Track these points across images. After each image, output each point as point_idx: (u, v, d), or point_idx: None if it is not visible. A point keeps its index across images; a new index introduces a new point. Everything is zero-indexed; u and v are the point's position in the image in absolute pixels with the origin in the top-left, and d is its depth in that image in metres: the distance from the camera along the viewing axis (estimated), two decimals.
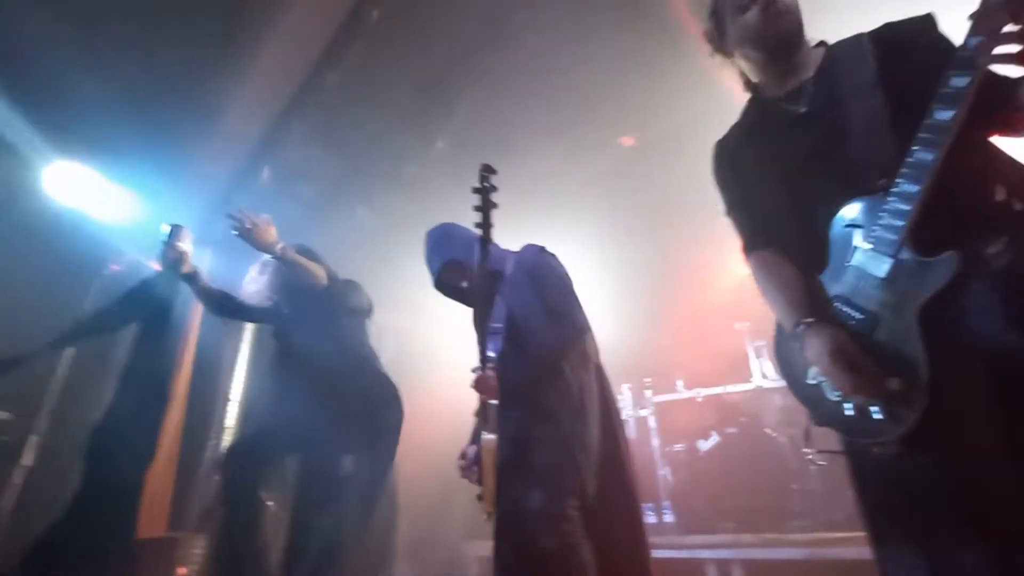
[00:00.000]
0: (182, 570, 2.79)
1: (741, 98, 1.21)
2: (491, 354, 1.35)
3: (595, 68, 2.87)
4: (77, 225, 2.88)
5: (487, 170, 1.32)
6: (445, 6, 2.41)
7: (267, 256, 2.12)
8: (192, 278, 2.12)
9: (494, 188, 1.30)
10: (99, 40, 2.41)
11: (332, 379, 2.11)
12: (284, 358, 2.25)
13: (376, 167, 3.54)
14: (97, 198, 2.80)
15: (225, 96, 2.66)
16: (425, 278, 1.73)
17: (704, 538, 2.72)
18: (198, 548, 2.76)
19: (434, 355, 4.14)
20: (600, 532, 1.24)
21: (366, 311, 2.36)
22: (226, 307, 2.23)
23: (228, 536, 2.12)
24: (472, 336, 1.42)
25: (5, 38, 2.40)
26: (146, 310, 1.81)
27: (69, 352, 2.67)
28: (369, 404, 2.18)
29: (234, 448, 2.64)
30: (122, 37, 2.42)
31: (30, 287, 3.54)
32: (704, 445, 3.22)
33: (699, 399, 3.46)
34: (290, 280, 2.19)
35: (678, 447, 3.33)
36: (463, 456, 1.43)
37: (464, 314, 1.62)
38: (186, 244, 2.06)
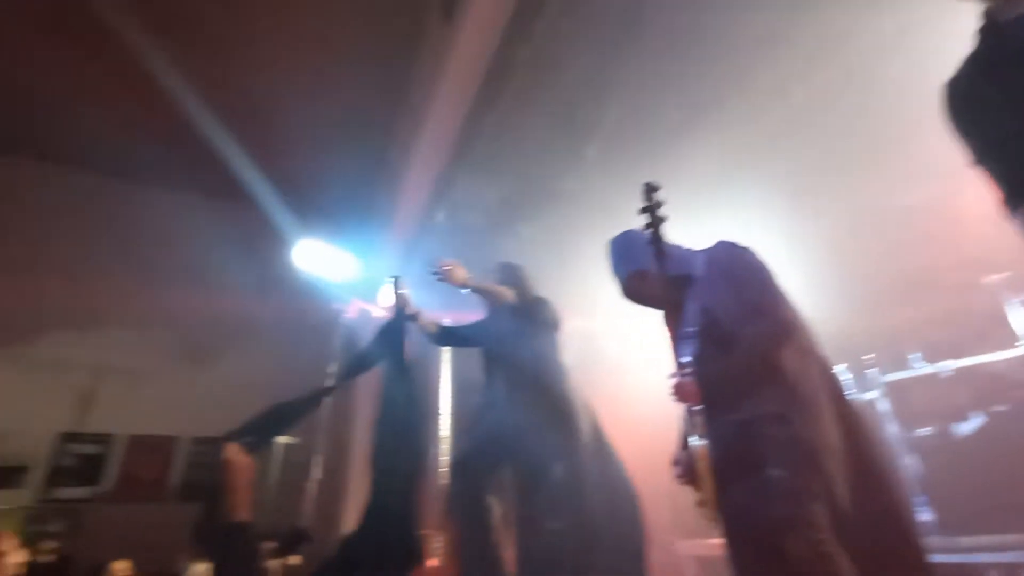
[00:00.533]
0: (433, 562, 3.30)
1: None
2: (685, 359, 1.35)
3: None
4: (317, 286, 3.68)
5: (651, 188, 1.32)
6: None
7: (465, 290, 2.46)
8: (415, 316, 2.56)
9: (659, 204, 1.31)
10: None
11: (534, 389, 2.32)
12: (492, 374, 2.53)
13: (532, 186, 3.76)
14: (328, 263, 3.50)
15: (406, 156, 3.11)
16: (591, 283, 1.80)
17: (983, 539, 2.27)
18: (438, 543, 3.25)
19: (614, 356, 4.18)
20: (858, 539, 1.14)
21: (555, 325, 2.54)
22: (445, 337, 2.63)
23: (465, 540, 2.44)
24: (659, 335, 1.44)
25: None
26: (390, 345, 2.26)
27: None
28: (568, 410, 2.34)
29: (457, 460, 3.03)
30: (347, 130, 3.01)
31: (290, 336, 4.56)
32: (964, 428, 2.67)
33: (945, 374, 2.88)
34: (490, 305, 2.50)
35: (925, 432, 2.82)
36: (677, 463, 1.45)
37: (644, 314, 1.65)
38: (406, 289, 2.52)
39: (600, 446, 2.34)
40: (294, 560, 2.54)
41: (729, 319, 1.42)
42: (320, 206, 3.65)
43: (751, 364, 1.35)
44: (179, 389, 4.27)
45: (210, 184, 4.40)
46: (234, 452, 1.79)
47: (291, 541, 2.71)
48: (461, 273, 2.44)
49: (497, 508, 2.49)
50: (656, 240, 1.34)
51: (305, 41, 3.34)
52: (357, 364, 2.41)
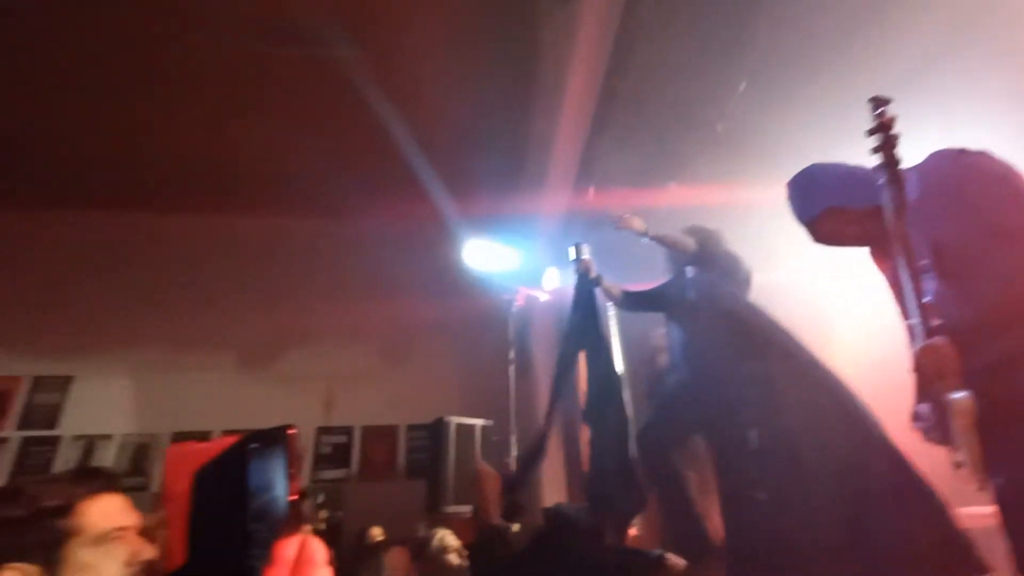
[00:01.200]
0: (632, 531, 3.35)
1: None
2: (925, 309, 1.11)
3: None
4: (487, 281, 3.99)
5: (880, 103, 1.13)
6: None
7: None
8: (598, 280, 2.59)
9: (891, 120, 1.10)
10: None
11: (737, 346, 2.16)
12: (681, 336, 2.46)
13: (684, 136, 3.51)
14: (493, 257, 3.76)
15: (548, 140, 3.18)
16: (765, 234, 1.62)
17: None
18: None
19: (806, 311, 3.73)
20: None
21: (747, 280, 2.39)
22: (631, 301, 2.67)
23: (667, 509, 2.43)
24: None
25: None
26: (585, 311, 2.36)
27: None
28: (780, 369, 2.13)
29: (645, 429, 3.02)
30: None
31: (472, 330, 5.02)
32: None
33: None
34: (674, 259, 2.51)
35: None
36: (918, 418, 1.25)
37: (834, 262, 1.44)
38: (588, 255, 2.58)
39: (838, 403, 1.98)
40: (515, 527, 2.84)
41: (966, 248, 1.16)
42: (477, 205, 3.98)
43: (1008, 300, 1.08)
44: (392, 386, 5.03)
45: (392, 202, 5.06)
46: (484, 467, 2.08)
47: (507, 513, 3.02)
48: (639, 222, 2.47)
49: (692, 476, 2.43)
50: (891, 164, 1.13)
51: (436, 44, 3.52)
52: (573, 339, 2.47)
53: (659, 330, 2.92)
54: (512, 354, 3.77)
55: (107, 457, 4.63)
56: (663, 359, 2.84)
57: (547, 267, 3.79)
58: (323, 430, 4.90)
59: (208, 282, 5.14)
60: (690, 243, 2.47)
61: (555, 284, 3.72)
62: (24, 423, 4.68)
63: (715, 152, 3.48)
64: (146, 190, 5.07)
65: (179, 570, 0.39)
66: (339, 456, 4.86)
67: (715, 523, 2.31)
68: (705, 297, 2.30)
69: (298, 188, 5.04)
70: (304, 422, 4.82)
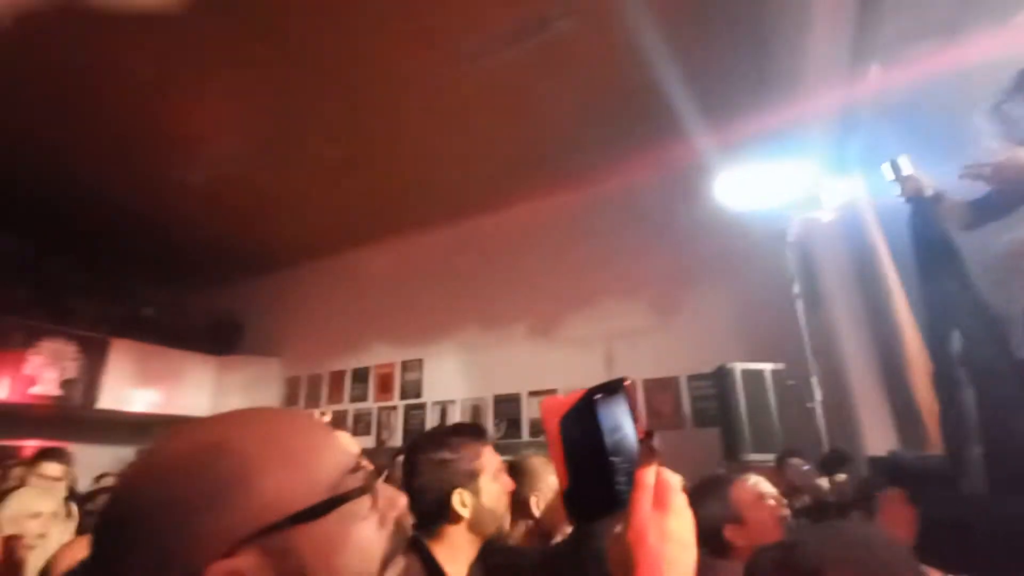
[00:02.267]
0: None
1: None
2: None
3: None
4: (753, 212, 3.60)
5: None
6: None
7: None
8: (940, 197, 1.90)
9: None
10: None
11: None
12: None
13: None
14: (757, 186, 3.38)
15: (802, 20, 2.67)
16: None
17: None
18: None
19: None
20: None
21: None
22: (981, 214, 1.85)
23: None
24: None
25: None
26: (928, 238, 1.83)
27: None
28: None
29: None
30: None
31: (744, 268, 4.65)
32: None
33: None
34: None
35: None
36: None
37: None
38: (911, 169, 1.96)
39: None
40: (839, 478, 2.57)
41: None
42: (732, 131, 3.61)
43: None
44: (670, 337, 5.10)
45: (646, 155, 5.08)
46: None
47: (833, 462, 2.76)
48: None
49: None
50: None
51: None
52: (939, 327, 1.98)
53: None
54: (796, 288, 3.33)
55: (455, 416, 6.08)
56: None
57: (824, 181, 3.17)
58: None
59: (504, 270, 6.18)
60: None
61: (837, 199, 3.09)
62: (403, 395, 6.57)
63: None
64: (449, 206, 6.33)
65: (566, 490, 0.54)
66: None
67: None
68: None
69: (558, 167, 5.52)
70: (588, 379, 5.32)
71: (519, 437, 5.50)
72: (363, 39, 3.88)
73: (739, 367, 3.61)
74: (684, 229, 5.13)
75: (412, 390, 6.53)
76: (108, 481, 5.20)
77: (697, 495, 1.19)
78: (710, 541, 1.26)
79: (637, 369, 5.08)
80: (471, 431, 1.17)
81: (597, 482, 0.50)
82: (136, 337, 6.68)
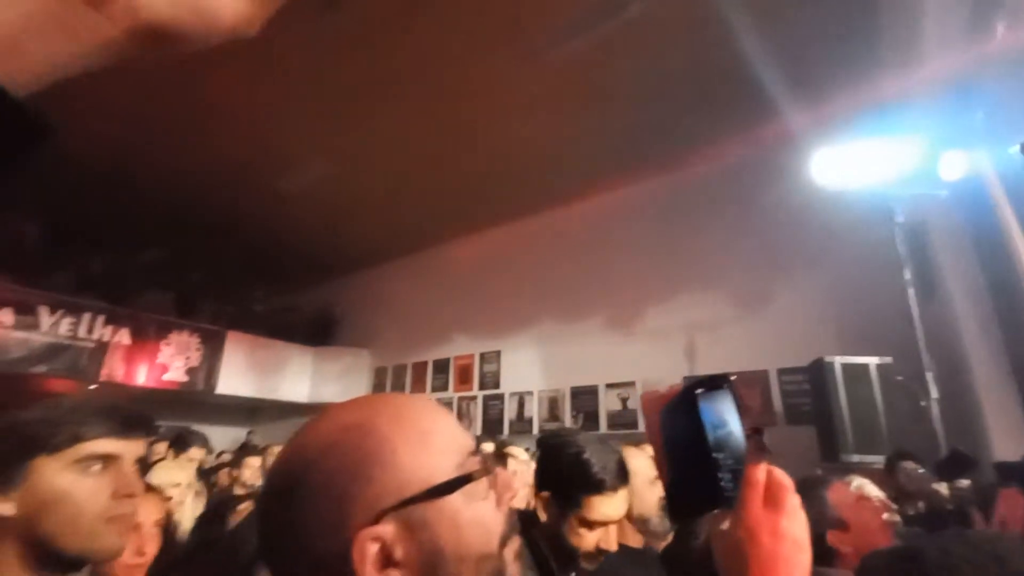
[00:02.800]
0: None
1: None
2: None
3: None
4: (856, 192, 3.29)
5: None
6: None
7: None
8: None
9: None
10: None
11: None
12: None
13: None
14: (861, 164, 3.09)
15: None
16: None
17: None
18: None
19: None
20: None
21: None
22: None
23: None
24: None
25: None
26: None
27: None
28: None
29: None
30: None
31: (844, 254, 4.29)
32: None
33: None
34: None
35: None
36: None
37: None
38: None
39: None
40: (961, 484, 2.31)
41: None
42: (830, 107, 3.31)
43: None
44: (758, 329, 4.82)
45: (733, 135, 4.85)
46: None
47: (953, 466, 2.48)
48: None
49: None
50: None
51: None
52: None
53: None
54: (907, 274, 3.01)
55: (532, 408, 6.15)
56: None
57: (940, 154, 2.82)
58: (690, 379, 5.10)
59: (583, 261, 6.14)
60: None
61: (955, 174, 2.73)
62: (481, 385, 6.75)
63: None
64: (529, 198, 6.40)
65: (667, 485, 0.55)
66: None
67: None
68: None
69: (639, 154, 5.41)
70: (668, 372, 5.16)
71: (597, 429, 5.47)
72: (442, 41, 4.01)
73: (839, 361, 3.35)
74: (775, 213, 4.80)
75: (491, 381, 6.69)
76: (226, 458, 5.85)
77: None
78: (812, 547, 1.20)
79: (721, 362, 4.86)
80: None
81: (700, 478, 0.50)
82: (247, 330, 7.43)
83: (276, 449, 5.03)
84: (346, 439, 0.44)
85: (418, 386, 7.30)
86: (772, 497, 0.47)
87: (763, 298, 4.86)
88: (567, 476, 1.10)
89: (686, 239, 5.41)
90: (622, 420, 5.39)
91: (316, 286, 9.12)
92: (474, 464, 0.45)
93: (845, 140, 3.02)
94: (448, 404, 6.91)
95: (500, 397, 6.51)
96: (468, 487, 0.43)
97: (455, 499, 0.43)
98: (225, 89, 4.47)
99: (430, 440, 0.45)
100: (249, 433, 8.21)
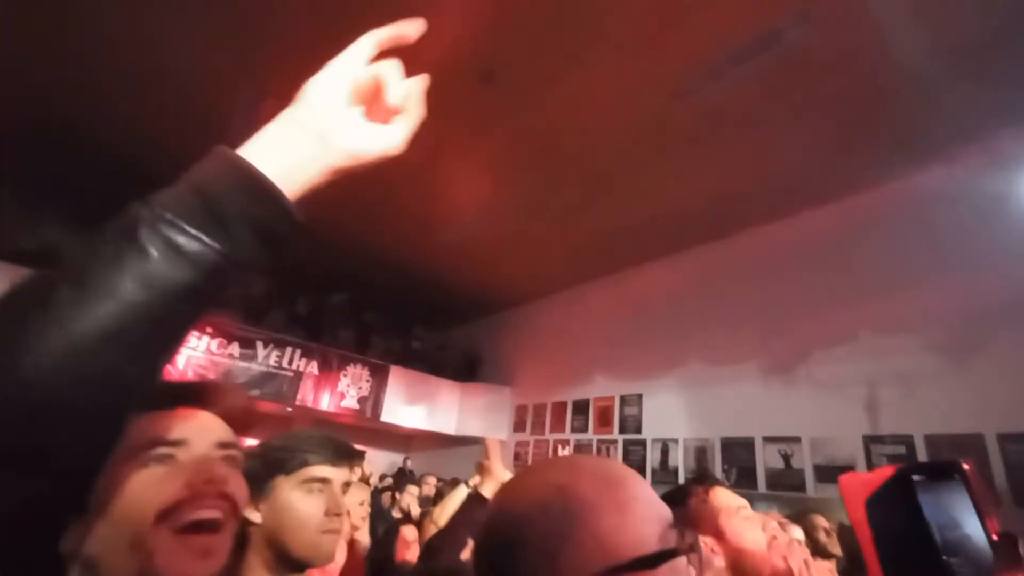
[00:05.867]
0: None
1: None
2: None
3: None
4: None
5: None
6: None
7: None
8: None
9: None
10: None
11: None
12: None
13: None
14: None
15: None
16: None
17: None
18: None
19: None
20: None
21: None
22: None
23: None
24: None
25: None
26: None
27: None
28: None
29: None
30: None
31: None
32: None
33: None
34: None
35: None
36: None
37: None
38: None
39: None
40: None
41: None
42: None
43: None
44: (963, 384, 4.00)
45: (920, 163, 4.37)
46: None
47: None
48: None
49: None
50: None
51: None
52: None
53: None
54: None
55: (677, 456, 5.78)
56: None
57: None
58: (871, 439, 4.38)
59: (733, 301, 5.76)
60: None
61: None
62: (622, 429, 6.54)
63: None
64: (674, 237, 6.30)
65: None
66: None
67: None
68: None
69: (798, 187, 5.09)
70: (842, 428, 4.49)
71: (754, 487, 4.93)
72: (591, 90, 4.20)
73: None
74: (984, 248, 4.05)
75: (632, 425, 6.46)
76: (388, 482, 6.46)
77: None
78: None
79: (915, 421, 4.11)
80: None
81: None
82: (407, 365, 8.30)
83: (432, 479, 5.43)
84: (556, 500, 0.46)
85: (558, 426, 7.34)
86: None
87: (973, 347, 4.02)
88: None
89: (865, 278, 4.73)
90: (786, 481, 4.79)
91: (464, 324, 9.85)
92: (673, 537, 0.45)
93: None
94: (588, 446, 6.82)
95: (642, 443, 6.24)
96: (674, 561, 0.44)
97: (659, 573, 0.43)
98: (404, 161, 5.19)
99: (629, 507, 0.46)
100: (405, 459, 8.99)
